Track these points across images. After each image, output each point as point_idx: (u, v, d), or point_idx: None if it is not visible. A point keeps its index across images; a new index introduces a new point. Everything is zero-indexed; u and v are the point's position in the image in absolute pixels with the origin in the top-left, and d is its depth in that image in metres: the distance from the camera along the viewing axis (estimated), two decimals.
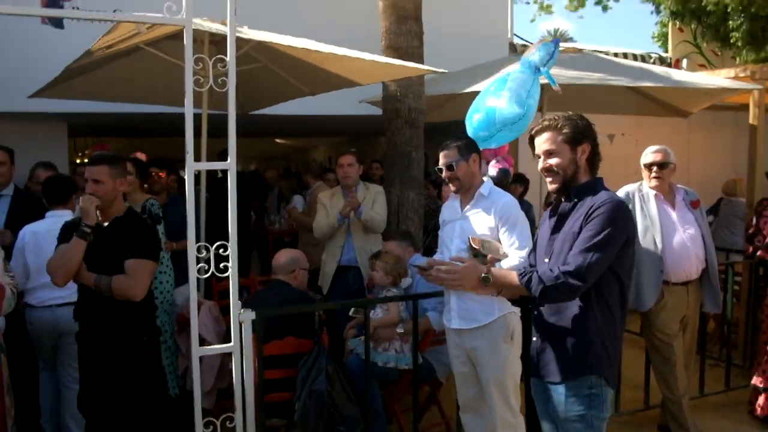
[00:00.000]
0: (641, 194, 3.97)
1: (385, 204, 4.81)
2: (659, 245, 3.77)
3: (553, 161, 2.43)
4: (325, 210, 4.73)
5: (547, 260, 2.43)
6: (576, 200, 2.41)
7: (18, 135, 6.58)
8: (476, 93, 5.16)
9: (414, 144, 5.13)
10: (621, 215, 2.31)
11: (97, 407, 3.16)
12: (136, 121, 7.64)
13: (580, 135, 2.42)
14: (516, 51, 8.13)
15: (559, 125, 2.42)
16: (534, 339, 2.51)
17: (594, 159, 2.46)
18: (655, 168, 3.87)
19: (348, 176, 4.73)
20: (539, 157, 2.49)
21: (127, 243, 3.14)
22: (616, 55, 8.38)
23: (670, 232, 3.82)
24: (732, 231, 6.45)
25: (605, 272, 2.31)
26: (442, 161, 3.25)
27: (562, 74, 4.90)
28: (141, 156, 4.85)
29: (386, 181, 5.40)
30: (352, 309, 3.82)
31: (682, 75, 6.02)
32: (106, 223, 3.20)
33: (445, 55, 5.53)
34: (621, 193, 4.07)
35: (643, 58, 9.05)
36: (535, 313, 2.50)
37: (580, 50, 6.29)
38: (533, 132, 2.51)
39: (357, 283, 4.67)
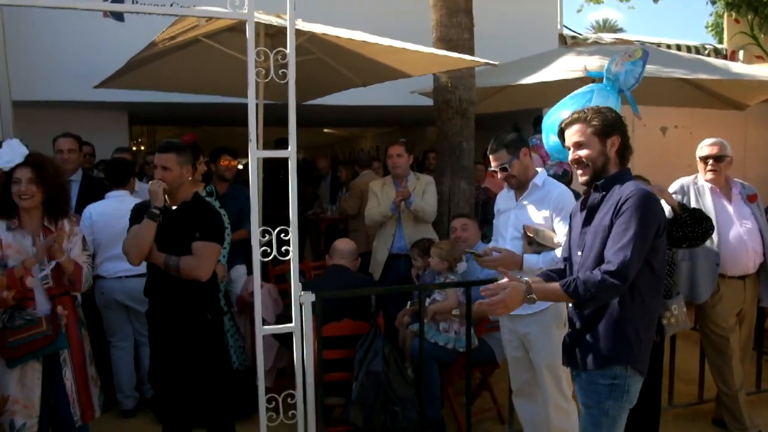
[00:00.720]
0: (696, 187, 3.94)
1: (436, 194, 4.88)
2: (715, 239, 3.74)
3: (583, 153, 2.45)
4: (377, 199, 4.84)
5: (579, 253, 2.45)
6: (604, 192, 2.44)
7: (82, 123, 6.88)
8: (526, 85, 5.23)
9: (465, 135, 5.19)
10: (649, 205, 2.32)
11: (166, 380, 3.33)
12: (191, 111, 7.88)
13: (610, 127, 2.43)
14: (565, 43, 8.08)
15: (588, 117, 2.44)
16: (570, 330, 2.54)
17: (624, 151, 2.47)
18: (711, 161, 3.85)
19: (398, 166, 4.82)
20: (569, 149, 2.51)
21: (194, 226, 3.30)
22: (669, 47, 8.24)
23: (726, 226, 3.79)
24: None
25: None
26: (494, 164, 3.30)
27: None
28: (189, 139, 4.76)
29: (437, 171, 5.48)
30: (409, 303, 3.93)
31: (739, 67, 5.92)
32: (174, 207, 3.36)
33: (495, 47, 5.56)
34: (675, 185, 4.05)
35: (697, 50, 8.86)
36: (570, 306, 2.53)
37: (631, 42, 6.24)
38: (563, 124, 2.53)
39: (407, 270, 4.77)
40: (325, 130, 15.15)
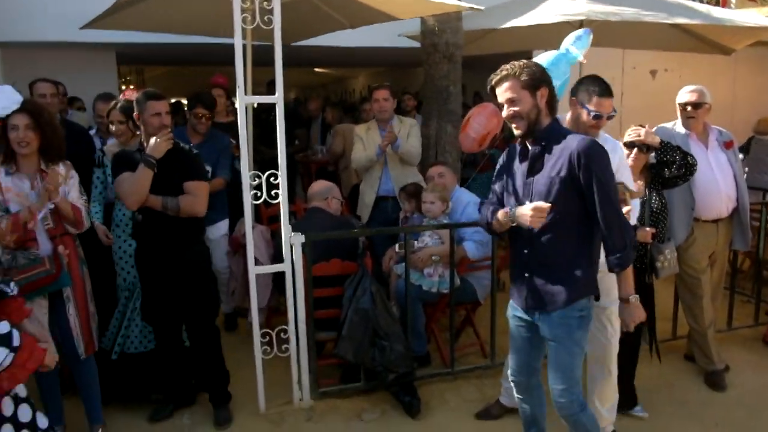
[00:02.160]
0: (674, 133, 4.05)
1: (420, 136, 4.96)
2: (691, 184, 3.89)
3: (516, 108, 2.54)
4: (362, 143, 4.90)
5: (527, 201, 2.54)
6: (543, 143, 2.55)
7: (70, 63, 6.87)
8: (514, 28, 5.24)
9: (452, 78, 5.23)
10: (605, 154, 2.52)
11: (162, 314, 3.50)
12: (179, 51, 7.82)
13: (538, 81, 2.53)
14: None
15: (517, 73, 2.52)
16: (526, 275, 2.63)
17: (552, 102, 2.58)
18: (689, 108, 3.94)
19: (384, 110, 4.88)
20: (503, 106, 2.59)
21: (182, 169, 3.40)
22: None
23: (702, 172, 3.89)
24: (763, 170, 6.46)
25: (582, 206, 2.51)
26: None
27: (596, 9, 4.93)
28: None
29: (424, 115, 5.54)
30: (398, 244, 4.07)
31: (722, 12, 5.91)
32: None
33: None
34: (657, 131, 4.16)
35: None
36: (525, 251, 2.63)
37: None
38: (493, 82, 2.59)
39: (395, 212, 4.89)
40: (317, 70, 15.03)
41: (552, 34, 5.81)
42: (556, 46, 6.54)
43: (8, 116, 3.03)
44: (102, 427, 3.41)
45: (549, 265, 2.58)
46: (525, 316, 2.70)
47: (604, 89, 3.01)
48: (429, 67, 5.32)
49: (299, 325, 3.65)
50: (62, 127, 4.33)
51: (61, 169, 3.18)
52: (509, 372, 2.93)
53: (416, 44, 5.72)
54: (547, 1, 5.45)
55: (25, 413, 2.29)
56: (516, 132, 2.60)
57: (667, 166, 3.59)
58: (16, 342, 2.03)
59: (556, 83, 3.37)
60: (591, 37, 3.70)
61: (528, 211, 2.47)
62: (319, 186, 4.30)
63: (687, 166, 3.59)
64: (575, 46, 3.63)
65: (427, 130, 5.36)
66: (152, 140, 3.30)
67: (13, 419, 2.23)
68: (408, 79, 11.49)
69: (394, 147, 4.81)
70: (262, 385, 3.62)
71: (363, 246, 3.91)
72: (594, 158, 2.46)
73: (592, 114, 2.98)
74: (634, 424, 3.54)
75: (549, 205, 2.47)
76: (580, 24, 5.46)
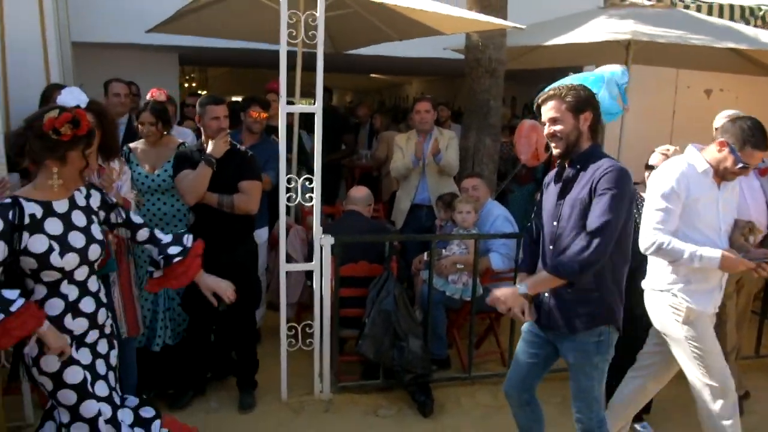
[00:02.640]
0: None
1: (458, 149, 5.12)
2: None
3: (557, 128, 2.59)
4: (401, 152, 5.09)
5: (555, 223, 2.64)
6: (579, 167, 2.60)
7: (135, 64, 7.31)
8: (557, 45, 5.33)
9: (493, 93, 5.36)
10: (625, 181, 2.50)
11: (204, 307, 3.74)
12: (237, 55, 8.20)
13: (583, 104, 2.57)
14: (604, 3, 8.00)
15: (563, 94, 2.58)
16: (546, 295, 2.68)
17: (595, 127, 2.62)
18: None
19: (425, 121, 5.06)
20: (545, 124, 2.65)
21: (238, 169, 3.67)
22: (721, 7, 8.04)
23: None
24: None
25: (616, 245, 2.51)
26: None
27: (642, 30, 4.97)
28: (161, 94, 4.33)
29: (464, 127, 5.69)
30: (426, 253, 4.23)
31: None
32: None
33: (533, 6, 5.64)
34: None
35: (752, 11, 8.59)
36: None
37: (673, 3, 6.19)
38: (540, 100, 2.66)
39: (429, 220, 5.07)
40: (372, 76, 15.32)
41: (601, 51, 5.88)
42: (606, 62, 6.52)
43: None
44: None
45: (565, 290, 2.61)
46: (540, 332, 2.77)
47: (761, 141, 2.86)
48: (471, 81, 5.46)
49: (324, 322, 3.86)
50: (131, 125, 4.73)
51: (116, 165, 3.48)
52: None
53: (462, 56, 5.87)
54: (594, 18, 5.53)
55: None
56: (555, 151, 2.66)
57: None
58: (13, 309, 2.14)
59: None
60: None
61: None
62: (361, 192, 4.49)
63: None
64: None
65: (466, 142, 5.50)
66: (212, 141, 3.58)
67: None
68: (459, 88, 11.61)
69: (437, 159, 4.98)
70: (285, 375, 3.85)
71: (390, 250, 4.09)
72: (609, 177, 2.47)
73: (740, 165, 2.86)
74: None
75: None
76: (628, 43, 5.52)
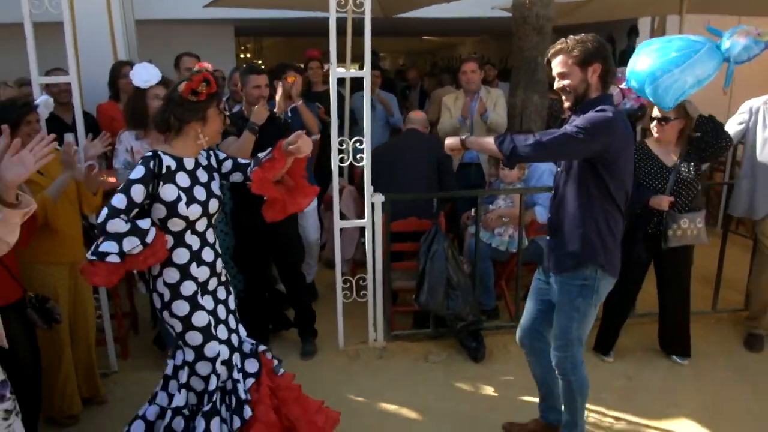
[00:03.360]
0: (766, 106, 4.05)
1: (505, 106, 5.21)
2: None
3: (566, 82, 2.64)
4: (449, 112, 5.22)
5: (558, 169, 2.77)
6: (582, 114, 2.63)
7: (194, 37, 7.64)
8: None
9: (540, 50, 5.36)
10: (603, 124, 2.52)
11: (254, 261, 4.06)
12: (289, 24, 8.44)
13: (591, 56, 2.59)
14: None
15: (570, 48, 2.61)
16: (548, 238, 2.87)
17: (605, 77, 2.64)
18: None
19: (472, 81, 5.16)
20: (554, 78, 2.70)
21: (277, 135, 3.88)
22: None
23: None
24: None
25: (595, 178, 2.60)
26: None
27: None
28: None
29: (511, 84, 5.73)
30: (473, 209, 4.40)
31: None
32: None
33: None
34: (744, 107, 4.16)
35: None
36: (550, 215, 2.85)
37: None
38: (549, 55, 2.70)
39: (477, 178, 5.21)
40: (425, 37, 15.30)
41: (656, 2, 5.79)
42: (658, 13, 6.44)
43: (149, 88, 3.60)
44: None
45: (559, 229, 2.76)
46: (544, 278, 2.92)
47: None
48: (519, 38, 5.48)
49: (376, 275, 4.10)
50: None
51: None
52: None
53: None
54: None
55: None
56: (565, 104, 2.73)
57: (704, 140, 3.68)
58: (149, 239, 2.42)
59: (690, 79, 3.09)
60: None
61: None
62: (419, 115, 4.94)
63: (722, 139, 3.67)
64: (743, 50, 3.18)
65: (514, 100, 5.56)
66: (254, 108, 3.83)
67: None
68: (511, 47, 11.50)
69: (483, 117, 5.09)
70: (341, 326, 4.13)
71: (438, 205, 4.25)
72: (587, 117, 2.54)
73: None
74: (682, 384, 3.72)
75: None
76: None
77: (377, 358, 4.07)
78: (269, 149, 2.76)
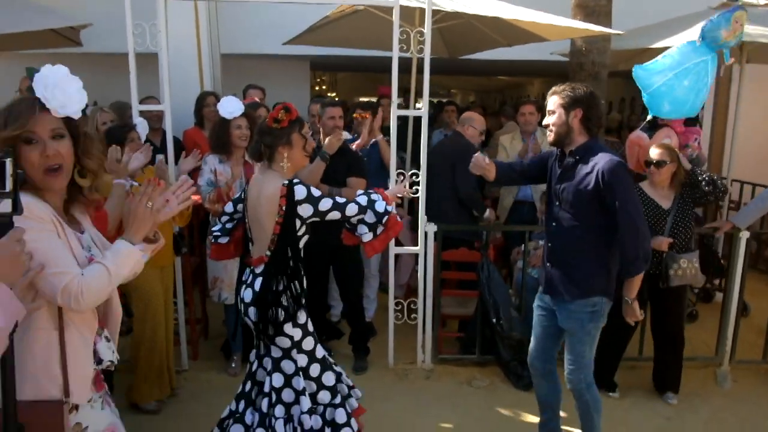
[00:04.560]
0: None
1: None
2: None
3: (551, 120, 2.95)
4: (505, 152, 5.48)
5: (557, 203, 2.99)
6: (577, 158, 2.92)
7: (273, 71, 8.24)
8: (663, 48, 5.46)
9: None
10: (626, 172, 2.86)
11: (316, 272, 4.36)
12: (361, 61, 8.93)
13: (574, 102, 2.87)
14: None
15: (563, 92, 2.91)
16: (548, 264, 3.08)
17: (587, 123, 2.90)
18: None
19: (529, 123, 5.41)
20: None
21: (348, 165, 4.25)
22: None
23: None
24: None
25: (603, 211, 2.83)
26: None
27: (753, 32, 5.00)
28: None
29: None
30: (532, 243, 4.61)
31: None
32: None
33: (639, 11, 5.78)
34: None
35: None
36: (549, 245, 3.07)
37: None
38: (548, 93, 3.00)
39: (529, 215, 5.41)
40: (497, 77, 15.67)
41: None
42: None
43: (233, 118, 4.04)
44: (238, 355, 4.32)
45: (566, 259, 2.97)
46: (545, 304, 3.12)
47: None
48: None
49: (427, 300, 4.37)
50: None
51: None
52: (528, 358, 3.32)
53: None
54: (704, 19, 5.58)
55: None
56: (548, 138, 3.04)
57: (697, 186, 3.85)
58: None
59: (666, 74, 3.72)
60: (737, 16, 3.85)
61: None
62: (469, 115, 5.15)
63: (716, 188, 3.83)
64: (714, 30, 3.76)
65: None
66: (327, 139, 4.19)
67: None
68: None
69: None
70: (392, 345, 4.41)
71: (486, 239, 4.49)
72: (615, 177, 2.79)
73: None
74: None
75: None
76: (741, 43, 5.53)
77: (424, 379, 4.31)
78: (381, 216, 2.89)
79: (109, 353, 1.94)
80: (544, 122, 3.02)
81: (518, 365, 4.25)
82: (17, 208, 1.53)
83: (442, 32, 6.20)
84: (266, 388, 2.85)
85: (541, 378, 3.29)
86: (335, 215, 2.79)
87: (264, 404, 2.85)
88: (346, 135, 4.42)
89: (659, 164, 3.85)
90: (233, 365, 4.32)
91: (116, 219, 2.99)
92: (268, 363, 2.88)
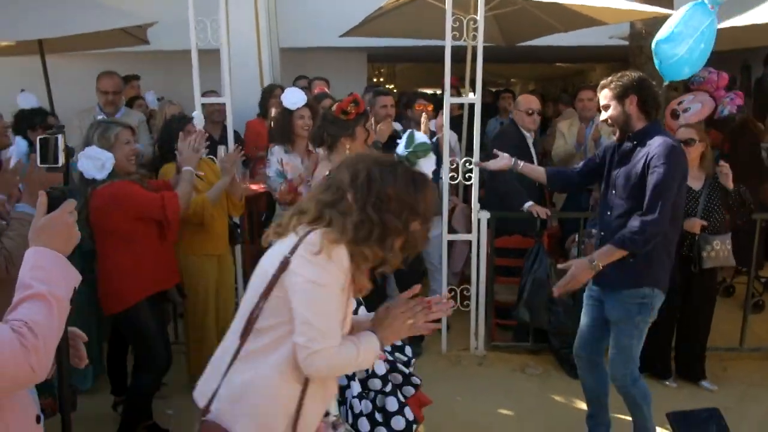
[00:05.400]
0: None
1: None
2: None
3: (608, 114, 2.92)
4: (564, 138, 5.40)
5: (613, 192, 2.94)
6: (635, 142, 2.88)
7: (331, 64, 8.35)
8: (733, 27, 5.25)
9: (656, 79, 5.42)
10: (675, 156, 2.73)
11: None
12: (417, 51, 8.93)
13: (626, 90, 2.84)
14: None
15: (611, 84, 2.89)
16: None
17: (644, 107, 2.85)
18: None
19: (587, 109, 5.31)
20: (600, 110, 2.96)
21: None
22: None
23: None
24: None
25: None
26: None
27: None
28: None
29: None
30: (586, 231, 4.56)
31: None
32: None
33: None
34: None
35: None
36: (602, 233, 2.99)
37: None
38: (598, 89, 2.99)
39: (586, 201, 5.33)
40: (557, 64, 15.39)
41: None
42: None
43: (296, 109, 4.12)
44: None
45: (630, 259, 2.83)
46: (595, 294, 3.04)
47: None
48: (635, 67, 5.55)
49: (480, 287, 4.39)
50: None
51: (320, 152, 4.28)
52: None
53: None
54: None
55: None
56: (614, 136, 3.01)
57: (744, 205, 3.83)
58: None
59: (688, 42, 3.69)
60: None
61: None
62: (523, 99, 5.04)
63: (743, 205, 3.78)
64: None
65: None
66: (378, 127, 4.25)
67: None
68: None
69: (598, 144, 5.23)
70: (445, 332, 4.46)
71: (541, 225, 4.47)
72: (660, 155, 2.71)
73: None
74: None
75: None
76: None
77: (477, 365, 4.34)
78: None
79: (335, 407, 2.00)
80: (602, 117, 3.00)
81: (570, 353, 4.20)
82: (68, 182, 1.64)
83: (498, 19, 6.14)
84: None
85: (586, 369, 3.22)
86: None
87: None
88: (396, 126, 4.48)
89: (687, 143, 3.75)
90: None
91: (186, 201, 3.16)
92: None
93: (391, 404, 2.86)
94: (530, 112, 4.73)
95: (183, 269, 3.62)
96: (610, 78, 2.95)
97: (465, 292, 4.42)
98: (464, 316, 4.46)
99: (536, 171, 3.43)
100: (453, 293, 4.42)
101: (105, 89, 4.59)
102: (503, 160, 3.40)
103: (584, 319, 3.19)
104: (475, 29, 4.06)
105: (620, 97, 2.88)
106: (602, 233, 3.05)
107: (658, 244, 2.82)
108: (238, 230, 4.25)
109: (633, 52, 5.54)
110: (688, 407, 3.69)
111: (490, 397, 3.90)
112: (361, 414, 2.83)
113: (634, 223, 2.75)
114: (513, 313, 4.32)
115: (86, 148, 2.98)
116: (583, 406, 3.77)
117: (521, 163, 3.37)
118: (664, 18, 5.31)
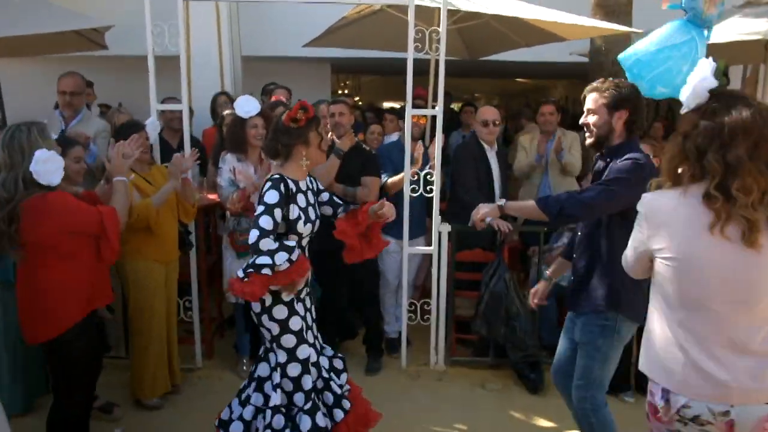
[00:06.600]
0: None
1: (580, 149, 5.33)
2: None
3: (591, 120, 2.69)
4: (525, 152, 5.42)
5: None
6: (608, 160, 2.68)
7: (294, 73, 8.29)
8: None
9: None
10: (637, 171, 2.53)
11: (331, 278, 4.33)
12: (381, 63, 8.94)
13: (620, 101, 2.61)
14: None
15: (604, 89, 2.65)
16: (572, 278, 2.88)
17: (631, 125, 2.66)
18: None
19: (549, 123, 5.33)
20: (584, 113, 2.75)
21: (362, 165, 4.25)
22: None
23: None
24: None
25: (620, 230, 2.53)
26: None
27: None
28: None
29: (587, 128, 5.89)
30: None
31: None
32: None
33: (660, 10, 5.67)
34: None
35: None
36: (574, 256, 2.87)
37: None
38: (585, 90, 2.74)
39: None
40: (518, 80, 15.58)
41: (739, 50, 5.78)
42: (744, 62, 6.43)
43: (249, 117, 4.04)
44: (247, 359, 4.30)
45: (588, 275, 2.77)
46: (571, 317, 2.92)
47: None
48: None
49: (440, 301, 4.34)
50: None
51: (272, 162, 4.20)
52: None
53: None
54: (729, 18, 5.48)
55: None
56: (586, 141, 2.79)
57: None
58: (294, 257, 2.71)
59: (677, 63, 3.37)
60: None
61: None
62: (482, 111, 4.94)
63: None
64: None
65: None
66: (342, 139, 4.18)
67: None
68: None
69: (559, 156, 5.26)
70: (405, 346, 4.39)
71: (501, 239, 4.47)
72: (618, 172, 2.54)
73: None
74: None
75: None
76: (766, 42, 5.42)
77: (437, 380, 4.28)
78: (359, 206, 3.07)
79: None
80: (582, 120, 2.76)
81: (527, 368, 4.20)
82: None
83: (462, 33, 6.17)
84: (254, 374, 2.97)
85: (564, 390, 3.05)
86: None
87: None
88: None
89: None
90: (243, 368, 4.28)
91: (125, 215, 3.03)
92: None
93: (305, 424, 2.80)
94: (485, 123, 4.71)
95: (128, 274, 3.53)
96: (604, 83, 2.71)
97: (425, 306, 4.37)
98: (425, 330, 4.41)
99: (526, 207, 2.92)
100: (413, 307, 4.36)
101: (63, 89, 4.41)
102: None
103: (561, 341, 3.07)
104: (438, 41, 4.03)
105: (612, 107, 2.65)
106: (574, 255, 2.92)
107: (619, 270, 2.42)
108: (189, 236, 4.12)
109: (593, 68, 5.61)
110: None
111: (449, 414, 3.83)
112: (270, 426, 2.80)
113: (565, 196, 2.65)
114: (471, 325, 4.30)
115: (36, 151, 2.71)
116: (542, 422, 3.77)
117: (504, 203, 2.87)
118: (625, 36, 5.44)
